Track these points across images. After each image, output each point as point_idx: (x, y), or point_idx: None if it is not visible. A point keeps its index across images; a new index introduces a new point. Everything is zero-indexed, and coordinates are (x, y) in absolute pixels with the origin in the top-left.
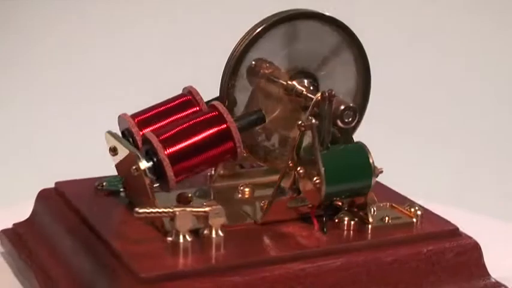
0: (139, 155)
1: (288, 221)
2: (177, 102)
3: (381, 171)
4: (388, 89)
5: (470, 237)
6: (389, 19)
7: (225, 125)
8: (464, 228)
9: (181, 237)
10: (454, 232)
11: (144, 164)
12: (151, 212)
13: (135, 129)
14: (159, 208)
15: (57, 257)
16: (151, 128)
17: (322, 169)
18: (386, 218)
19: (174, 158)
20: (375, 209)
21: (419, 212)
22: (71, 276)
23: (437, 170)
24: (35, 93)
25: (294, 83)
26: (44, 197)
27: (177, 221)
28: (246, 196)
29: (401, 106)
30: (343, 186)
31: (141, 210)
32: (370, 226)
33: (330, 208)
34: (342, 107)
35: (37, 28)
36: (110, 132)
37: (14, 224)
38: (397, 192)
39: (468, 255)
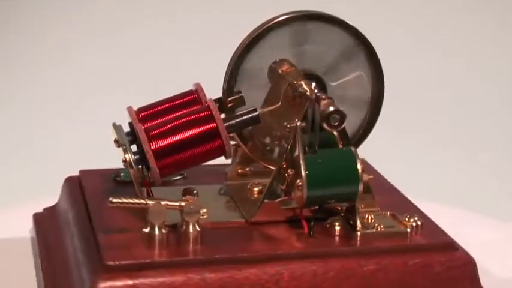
0: (128, 148)
1: (279, 222)
2: (181, 100)
3: (370, 178)
4: (389, 89)
5: (466, 253)
6: (390, 19)
7: (214, 124)
8: (466, 228)
9: (156, 229)
10: (448, 245)
11: (129, 156)
12: (124, 202)
13: (136, 123)
14: (132, 199)
15: (65, 244)
16: (152, 123)
17: (304, 172)
18: (379, 226)
19: (160, 153)
20: (372, 216)
21: (415, 223)
22: (65, 264)
23: (440, 169)
24: (53, 81)
25: (302, 83)
26: (67, 184)
27: (150, 213)
28: (255, 195)
29: (403, 106)
30: (327, 190)
31: (114, 200)
32: (358, 233)
33: (324, 212)
34: (329, 110)
35: (38, 27)
36: (113, 125)
37: (43, 209)
38: (406, 198)
39: (461, 271)
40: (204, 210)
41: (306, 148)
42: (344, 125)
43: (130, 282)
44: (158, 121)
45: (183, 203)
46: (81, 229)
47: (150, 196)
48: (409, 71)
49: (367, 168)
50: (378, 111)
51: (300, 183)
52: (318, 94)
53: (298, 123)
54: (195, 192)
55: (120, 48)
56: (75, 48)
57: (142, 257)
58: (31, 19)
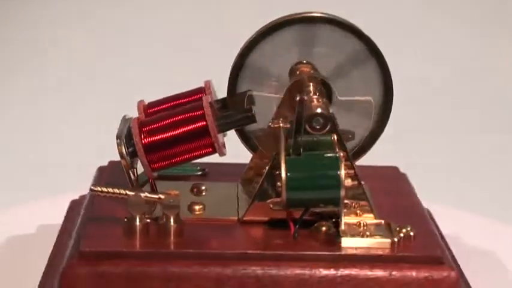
0: (123, 141)
1: (271, 223)
2: (189, 98)
3: (354, 185)
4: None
5: (451, 268)
6: (390, 19)
7: (204, 122)
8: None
9: (137, 220)
10: (433, 260)
11: (122, 148)
12: (103, 191)
13: (133, 118)
14: (113, 189)
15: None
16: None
17: (284, 175)
18: (365, 234)
19: (150, 147)
20: (365, 223)
21: (406, 234)
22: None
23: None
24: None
25: (310, 84)
26: (98, 173)
27: (129, 204)
28: None
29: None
30: (307, 194)
31: (94, 188)
32: (342, 239)
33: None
34: (313, 112)
35: (39, 25)
36: (123, 117)
37: (79, 196)
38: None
39: (441, 286)
40: (200, 206)
41: (291, 150)
42: (327, 128)
43: (99, 269)
44: (154, 116)
45: (162, 196)
46: (82, 217)
47: (154, 189)
48: (410, 70)
49: (385, 172)
50: (386, 119)
51: (279, 185)
52: (311, 96)
53: (281, 124)
54: (202, 188)
55: (143, 41)
56: (80, 45)
57: (116, 246)
58: (32, 18)
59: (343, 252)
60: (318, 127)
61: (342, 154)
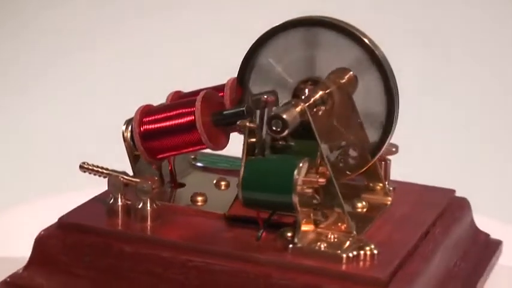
0: (130, 126)
1: (254, 222)
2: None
3: (309, 193)
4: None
5: None
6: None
7: (193, 117)
8: None
9: (118, 200)
10: (373, 281)
11: (127, 133)
12: (90, 169)
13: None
14: (99, 168)
15: None
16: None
17: (242, 174)
18: (321, 245)
19: (146, 135)
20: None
21: (362, 252)
22: None
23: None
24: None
25: (307, 90)
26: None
27: (108, 184)
28: None
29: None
30: (262, 195)
31: (84, 165)
32: (291, 246)
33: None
34: (272, 114)
35: (41, 24)
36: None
37: None
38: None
39: None
40: (202, 198)
41: (256, 150)
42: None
43: (68, 239)
44: (157, 107)
45: (138, 180)
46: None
47: (173, 178)
48: (409, 70)
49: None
50: (389, 128)
51: (237, 184)
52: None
53: (247, 123)
54: (223, 183)
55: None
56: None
57: (89, 221)
58: (34, 18)
59: (281, 259)
60: (277, 129)
61: (318, 161)
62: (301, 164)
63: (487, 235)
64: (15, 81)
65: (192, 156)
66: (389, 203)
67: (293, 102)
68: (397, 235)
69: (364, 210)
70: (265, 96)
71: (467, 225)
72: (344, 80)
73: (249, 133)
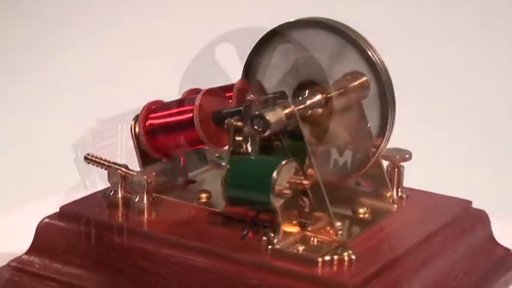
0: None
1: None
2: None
3: (287, 194)
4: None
5: None
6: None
7: (191, 115)
8: None
9: (118, 193)
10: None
11: (135, 128)
12: (93, 161)
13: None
14: (102, 160)
15: None
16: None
17: (225, 173)
18: (298, 248)
19: (150, 129)
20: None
21: (337, 257)
22: None
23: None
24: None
25: (306, 92)
26: None
27: (108, 176)
28: None
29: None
30: (243, 194)
31: (89, 157)
32: (270, 247)
33: None
34: (254, 113)
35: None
36: None
37: None
38: None
39: None
40: (206, 195)
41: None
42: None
43: (66, 228)
44: (164, 103)
45: (134, 173)
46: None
47: (186, 177)
48: (410, 70)
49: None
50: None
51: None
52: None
53: (233, 121)
54: None
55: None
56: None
57: (86, 211)
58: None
59: (256, 259)
60: (259, 129)
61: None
62: (282, 165)
63: (508, 250)
64: (16, 80)
65: (217, 155)
66: (394, 210)
67: (283, 104)
68: (387, 243)
69: (366, 215)
70: (252, 96)
71: (480, 238)
72: (354, 84)
73: (237, 132)
